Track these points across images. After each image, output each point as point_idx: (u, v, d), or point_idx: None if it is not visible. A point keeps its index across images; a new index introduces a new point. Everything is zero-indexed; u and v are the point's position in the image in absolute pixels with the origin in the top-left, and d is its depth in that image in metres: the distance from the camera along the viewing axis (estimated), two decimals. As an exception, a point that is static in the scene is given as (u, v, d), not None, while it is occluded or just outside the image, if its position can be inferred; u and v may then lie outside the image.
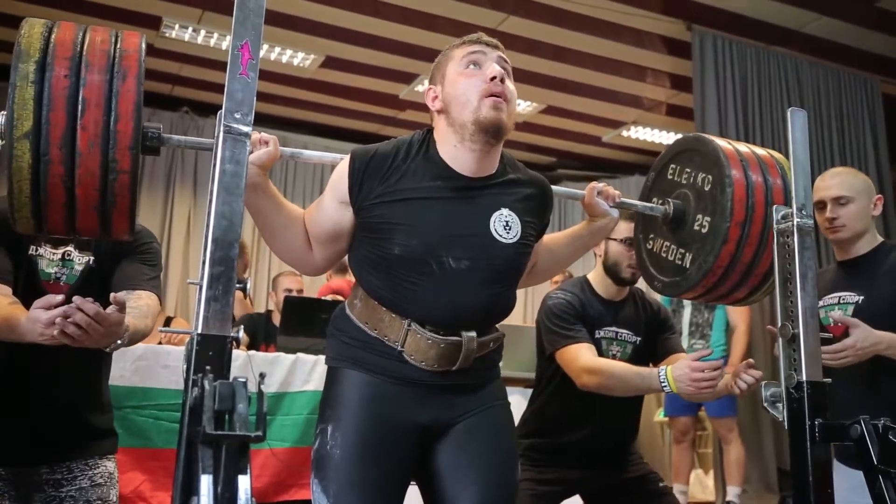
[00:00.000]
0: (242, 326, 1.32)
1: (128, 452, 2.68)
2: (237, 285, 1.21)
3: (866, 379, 2.13)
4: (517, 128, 7.10)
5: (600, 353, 2.33)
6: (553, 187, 1.83)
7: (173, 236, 6.75)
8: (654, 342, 2.45)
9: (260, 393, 1.06)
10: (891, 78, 5.93)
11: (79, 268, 1.87)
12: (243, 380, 1.06)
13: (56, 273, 1.85)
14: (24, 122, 1.27)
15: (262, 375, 1.11)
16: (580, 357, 2.23)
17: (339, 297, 5.49)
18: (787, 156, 1.73)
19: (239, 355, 3.21)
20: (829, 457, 1.54)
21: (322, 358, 3.48)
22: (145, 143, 1.38)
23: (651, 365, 2.42)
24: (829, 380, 1.56)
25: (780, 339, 1.58)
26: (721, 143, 1.83)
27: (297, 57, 5.87)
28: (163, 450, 2.79)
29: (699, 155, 1.88)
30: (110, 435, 2.00)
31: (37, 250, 1.84)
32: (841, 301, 2.23)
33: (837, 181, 2.28)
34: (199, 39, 5.64)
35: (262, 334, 4.14)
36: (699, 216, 1.85)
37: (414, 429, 1.63)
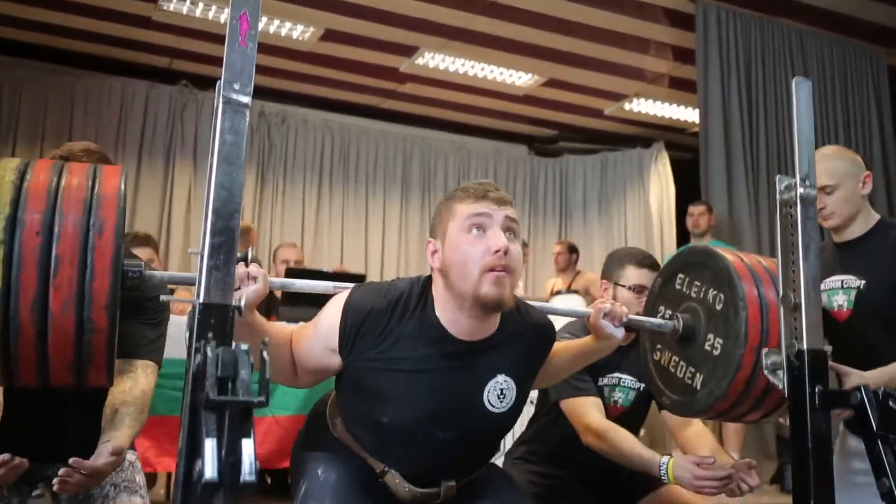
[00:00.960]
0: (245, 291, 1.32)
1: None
2: (238, 256, 1.21)
3: None
4: (518, 101, 7.08)
5: (602, 400, 2.26)
6: (559, 307, 1.80)
7: (174, 208, 6.73)
8: None
9: (262, 359, 1.06)
10: (896, 49, 5.89)
11: None
12: (245, 347, 1.06)
13: None
14: None
15: (264, 342, 1.11)
16: (587, 414, 2.17)
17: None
18: (790, 126, 1.71)
19: (241, 326, 3.23)
20: (829, 424, 1.55)
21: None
22: (126, 285, 1.30)
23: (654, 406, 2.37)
24: (829, 348, 1.57)
25: (782, 308, 1.59)
26: (731, 258, 1.77)
27: (296, 30, 5.82)
28: (167, 417, 2.82)
29: (709, 270, 1.82)
30: None
31: None
32: (844, 285, 2.21)
33: (821, 169, 2.22)
34: (198, 12, 5.59)
35: (263, 305, 4.15)
36: (710, 336, 1.78)
37: None
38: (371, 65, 6.40)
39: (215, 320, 1.15)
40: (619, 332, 1.75)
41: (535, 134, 8.01)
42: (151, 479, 3.32)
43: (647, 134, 7.68)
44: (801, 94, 1.66)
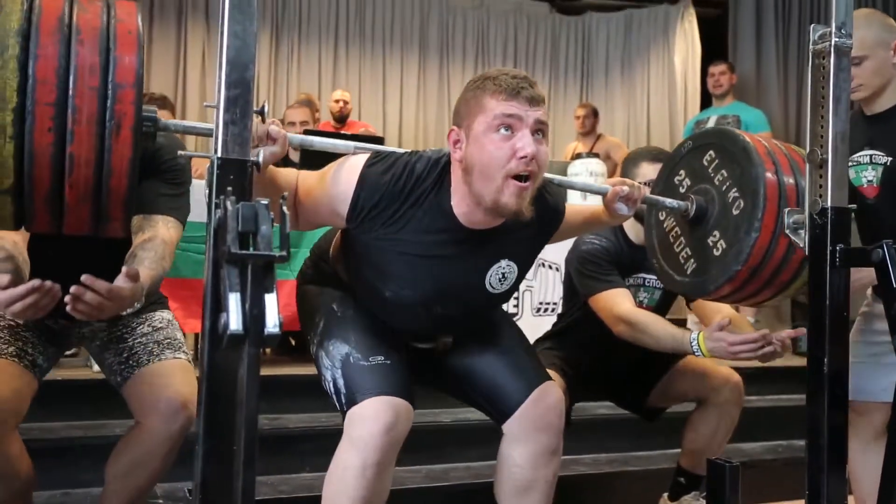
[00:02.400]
0: (262, 150, 1.28)
1: (158, 284, 2.78)
2: (255, 111, 1.19)
3: None
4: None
5: None
6: (574, 181, 1.82)
7: (189, 71, 6.62)
8: None
9: (282, 214, 1.06)
10: None
11: None
12: (265, 202, 1.06)
13: None
14: (3, 179, 1.15)
15: (283, 197, 1.11)
16: (616, 304, 2.18)
17: (371, 131, 5.36)
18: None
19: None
20: (848, 283, 1.55)
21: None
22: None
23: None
24: (854, 206, 1.55)
25: (808, 165, 1.55)
26: (769, 173, 1.68)
27: None
28: (191, 279, 2.88)
29: (741, 169, 1.74)
30: (158, 296, 1.99)
31: None
32: (872, 160, 2.14)
33: None
34: None
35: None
36: (716, 233, 1.76)
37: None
38: None
39: (234, 176, 1.14)
40: (632, 212, 1.82)
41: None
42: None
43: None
44: (842, -66, 1.56)
